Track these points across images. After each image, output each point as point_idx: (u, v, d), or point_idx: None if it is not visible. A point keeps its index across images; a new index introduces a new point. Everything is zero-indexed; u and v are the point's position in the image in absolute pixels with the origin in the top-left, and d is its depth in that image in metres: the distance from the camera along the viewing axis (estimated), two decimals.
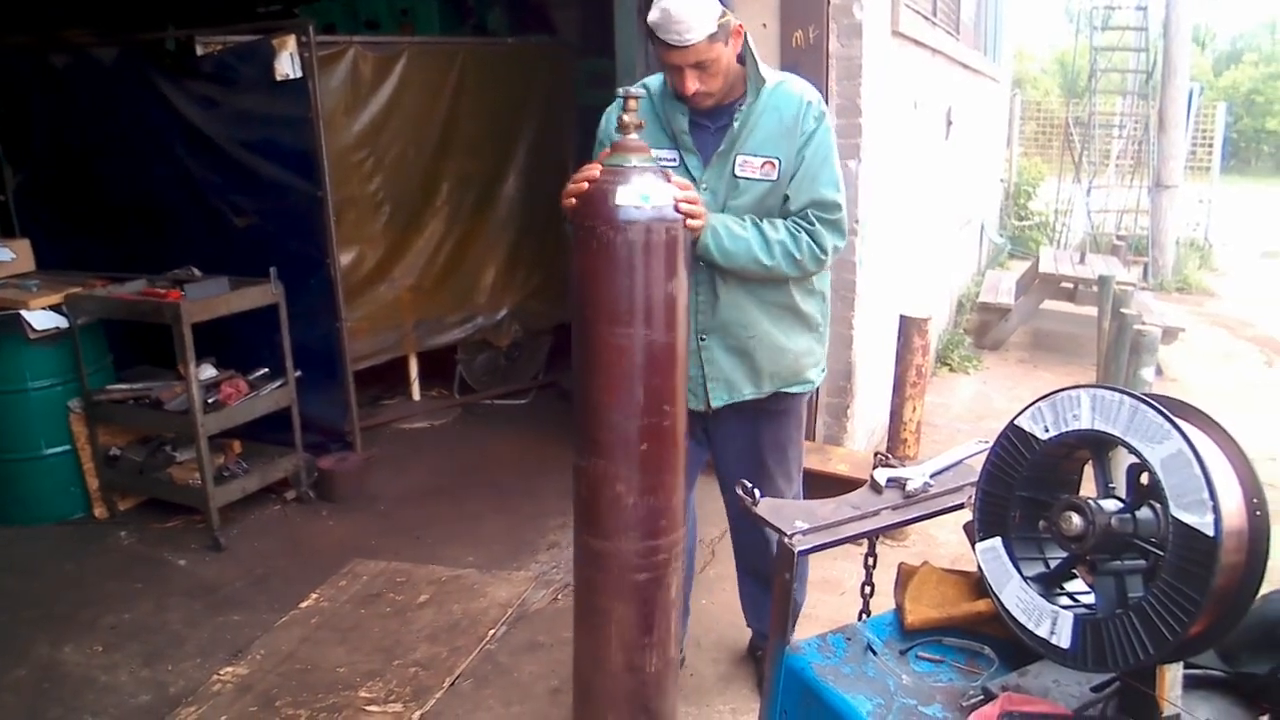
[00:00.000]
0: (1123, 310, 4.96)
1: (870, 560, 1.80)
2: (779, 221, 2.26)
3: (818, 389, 2.61)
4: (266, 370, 3.99)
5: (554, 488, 4.07)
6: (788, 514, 1.54)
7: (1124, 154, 11.79)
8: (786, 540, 1.48)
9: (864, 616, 1.80)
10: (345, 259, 4.42)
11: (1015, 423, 1.33)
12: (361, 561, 3.61)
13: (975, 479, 1.70)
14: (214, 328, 3.70)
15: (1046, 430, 1.29)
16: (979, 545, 1.35)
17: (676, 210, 1.94)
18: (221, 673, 2.95)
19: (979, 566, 1.36)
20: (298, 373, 3.97)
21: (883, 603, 1.80)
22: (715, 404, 2.44)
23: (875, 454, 1.79)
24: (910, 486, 1.66)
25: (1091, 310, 6.71)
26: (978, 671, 1.47)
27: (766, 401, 2.49)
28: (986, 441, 1.82)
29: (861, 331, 3.93)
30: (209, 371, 3.83)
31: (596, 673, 2.27)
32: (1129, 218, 10.71)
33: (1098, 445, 1.26)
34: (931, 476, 1.69)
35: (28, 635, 3.17)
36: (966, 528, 1.66)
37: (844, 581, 3.33)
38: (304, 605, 3.33)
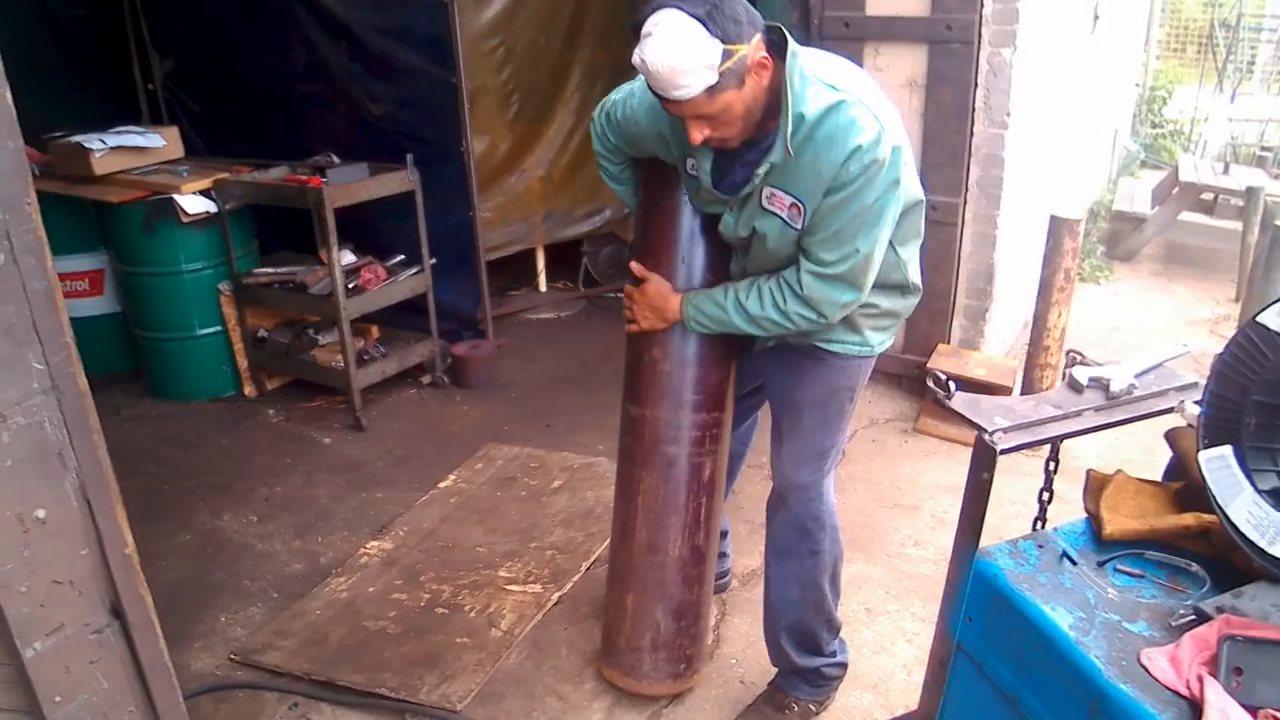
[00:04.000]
0: (1278, 222, 4.69)
1: (1052, 465, 1.74)
2: (763, 286, 1.95)
3: (865, 357, 2.12)
4: (403, 257, 4.05)
5: None
6: (986, 409, 1.48)
7: (1274, 60, 11.01)
8: (987, 437, 1.43)
9: (1040, 525, 1.75)
10: (478, 148, 4.41)
11: (1258, 319, 1.23)
12: (495, 446, 3.70)
13: (1180, 383, 1.62)
14: (351, 215, 3.75)
15: None
16: (1204, 454, 1.28)
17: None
18: (367, 546, 3.09)
19: (1202, 476, 1.29)
20: (433, 260, 4.02)
21: (1061, 511, 1.75)
22: (758, 344, 2.19)
23: (1068, 352, 1.69)
24: (1114, 387, 1.56)
25: (1230, 224, 6.35)
26: (1182, 590, 1.39)
27: (801, 350, 2.13)
28: (1187, 346, 1.74)
29: (1005, 231, 3.78)
30: (349, 257, 3.91)
31: (620, 548, 2.34)
32: (1274, 129, 10.03)
33: None
34: (1135, 378, 1.61)
35: (190, 504, 3.36)
36: (1169, 435, 1.60)
37: (998, 491, 3.26)
38: (442, 485, 3.44)
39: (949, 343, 3.88)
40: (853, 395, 2.19)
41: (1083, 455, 3.58)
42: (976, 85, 3.55)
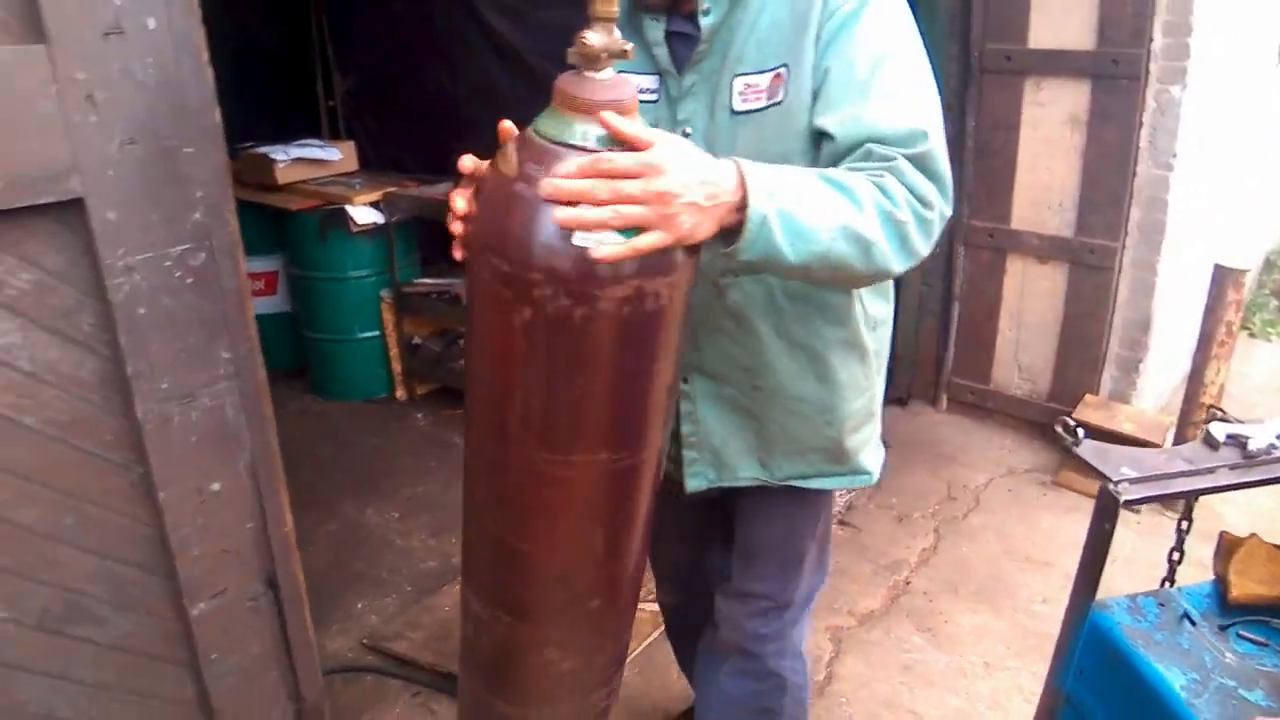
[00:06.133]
0: None
1: (1184, 524, 1.70)
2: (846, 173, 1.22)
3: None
4: None
5: None
6: (1114, 459, 1.47)
7: None
8: (1111, 487, 1.40)
9: (1169, 586, 1.71)
10: None
11: None
12: None
13: None
14: None
15: None
16: None
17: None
18: None
19: None
20: None
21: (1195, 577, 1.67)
22: (693, 486, 1.58)
23: (1208, 407, 1.66)
24: (1252, 446, 1.50)
25: None
26: None
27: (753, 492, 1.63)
28: None
29: (1165, 279, 3.63)
30: None
31: None
32: None
33: None
34: (1277, 437, 1.53)
35: (338, 497, 3.57)
36: None
37: (1118, 549, 3.16)
38: None
39: (1098, 394, 3.76)
40: (815, 533, 1.73)
41: (1235, 524, 3.41)
42: (1142, 124, 3.45)
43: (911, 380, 4.18)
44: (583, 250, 1.03)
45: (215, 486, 1.63)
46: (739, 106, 1.34)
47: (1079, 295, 3.68)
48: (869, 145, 1.22)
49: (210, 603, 1.69)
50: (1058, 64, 3.52)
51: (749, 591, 1.73)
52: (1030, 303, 3.82)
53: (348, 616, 2.91)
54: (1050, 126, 3.56)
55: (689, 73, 1.37)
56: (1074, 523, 3.39)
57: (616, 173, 1.03)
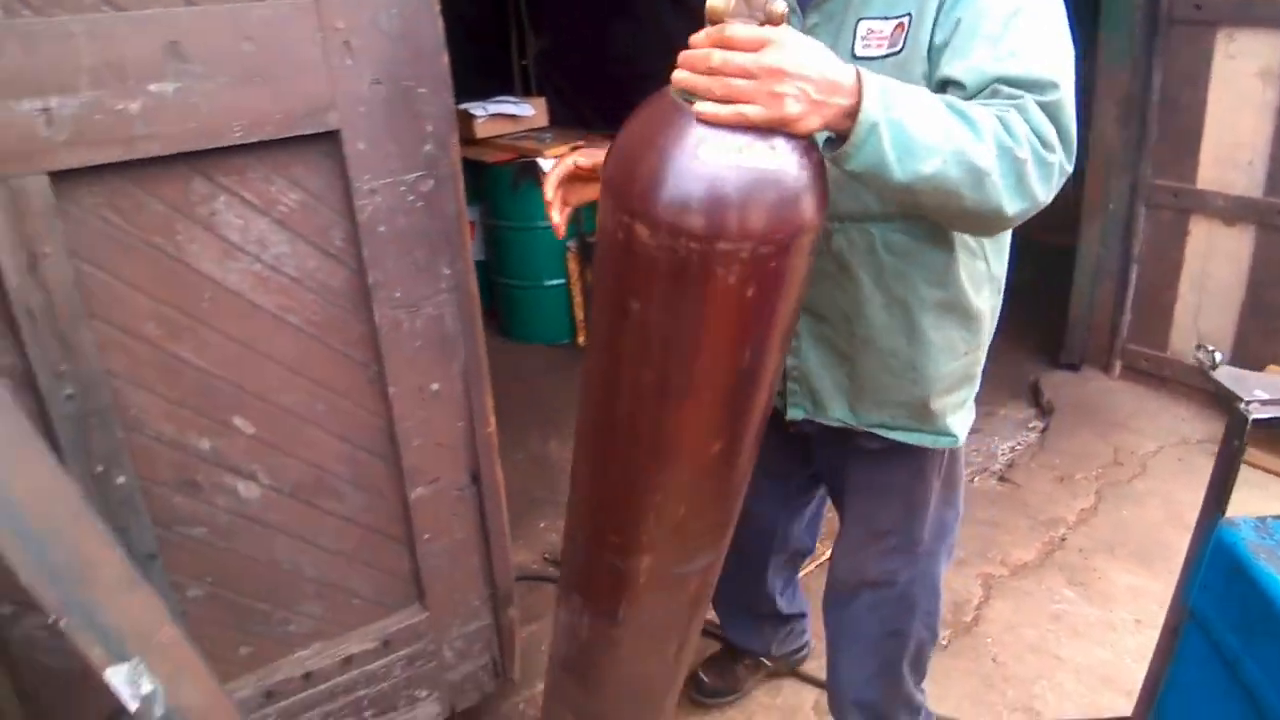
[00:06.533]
0: None
1: None
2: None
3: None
4: None
5: None
6: (1249, 383, 1.50)
7: None
8: (1241, 405, 1.45)
9: None
10: None
11: None
12: None
13: None
14: None
15: None
16: None
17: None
18: None
19: None
20: None
21: None
22: (792, 415, 1.67)
23: None
24: None
25: None
26: None
27: (864, 439, 1.64)
28: None
29: None
30: None
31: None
32: None
33: None
34: None
35: (524, 431, 3.85)
36: None
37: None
38: None
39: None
40: (934, 494, 1.74)
41: None
42: None
43: (1085, 345, 4.12)
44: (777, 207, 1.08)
45: (435, 387, 1.89)
46: (860, 51, 1.33)
47: (1266, 260, 3.52)
48: (996, 85, 1.20)
49: (426, 489, 1.96)
50: (1252, 13, 3.32)
51: (878, 530, 1.77)
52: (1213, 267, 3.69)
53: (531, 534, 3.18)
54: (1242, 80, 3.39)
55: (811, 12, 1.38)
56: (1241, 496, 3.30)
57: (733, 43, 1.04)
